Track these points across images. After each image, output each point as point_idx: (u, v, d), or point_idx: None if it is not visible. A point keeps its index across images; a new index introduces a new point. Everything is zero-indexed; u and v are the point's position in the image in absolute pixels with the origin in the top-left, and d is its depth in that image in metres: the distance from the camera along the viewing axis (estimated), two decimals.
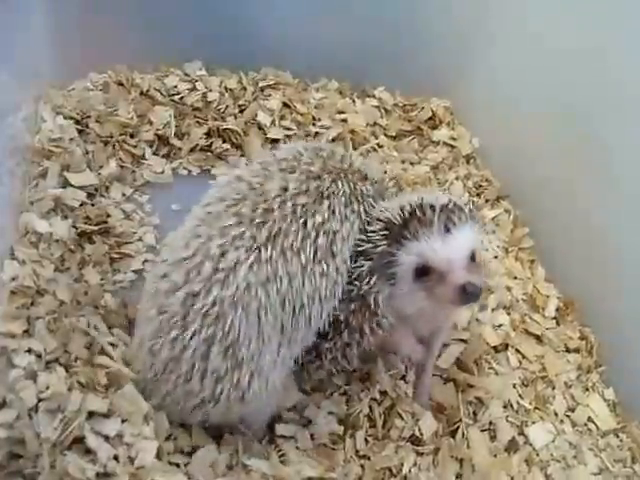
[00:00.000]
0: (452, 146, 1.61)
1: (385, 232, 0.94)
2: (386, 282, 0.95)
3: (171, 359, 0.86)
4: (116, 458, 0.83)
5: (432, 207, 0.93)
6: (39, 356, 0.92)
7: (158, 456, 0.85)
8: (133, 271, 1.20)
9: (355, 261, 0.96)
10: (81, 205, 1.24)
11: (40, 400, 0.86)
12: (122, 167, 1.36)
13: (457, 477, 1.01)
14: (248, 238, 0.86)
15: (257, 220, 0.88)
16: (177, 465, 0.88)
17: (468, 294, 0.90)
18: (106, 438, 0.85)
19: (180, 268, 0.87)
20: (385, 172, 1.48)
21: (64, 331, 0.97)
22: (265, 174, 0.94)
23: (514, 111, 1.51)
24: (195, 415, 0.91)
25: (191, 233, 0.90)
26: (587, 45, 1.26)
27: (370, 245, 0.95)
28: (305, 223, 0.90)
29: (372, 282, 0.95)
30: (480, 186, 1.54)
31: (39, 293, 1.01)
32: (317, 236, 0.90)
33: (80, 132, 1.37)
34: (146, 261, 1.22)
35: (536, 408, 1.15)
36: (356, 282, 0.96)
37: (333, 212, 0.93)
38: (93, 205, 1.26)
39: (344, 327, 0.99)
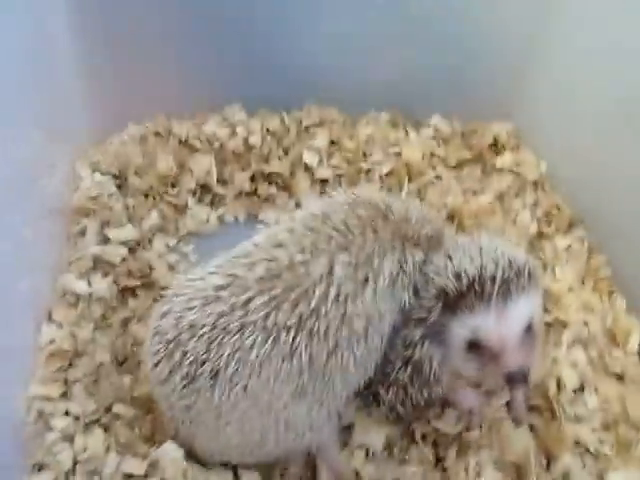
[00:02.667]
0: (517, 172, 1.60)
1: (439, 299, 0.97)
2: (439, 347, 0.99)
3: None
4: None
5: (492, 279, 0.94)
6: (77, 418, 0.97)
7: None
8: None
9: (406, 326, 1.00)
10: (123, 260, 1.31)
11: (77, 462, 0.90)
12: (164, 218, 1.43)
13: None
14: (272, 322, 0.87)
15: (287, 305, 0.88)
16: None
17: (513, 382, 0.95)
18: None
19: (201, 339, 0.88)
20: (446, 205, 1.48)
21: (104, 392, 1.01)
22: (311, 248, 0.93)
23: (583, 130, 1.49)
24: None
25: (213, 292, 0.91)
26: None
27: (423, 312, 0.98)
28: (345, 312, 0.91)
29: (425, 348, 0.99)
30: (550, 213, 1.52)
31: (77, 355, 1.06)
32: (355, 322, 0.91)
33: (119, 187, 1.45)
34: None
35: (618, 454, 1.11)
36: (409, 349, 1.00)
37: (375, 295, 0.93)
38: (135, 260, 1.31)
39: (399, 387, 1.04)
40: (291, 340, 0.87)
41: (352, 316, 0.90)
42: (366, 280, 0.92)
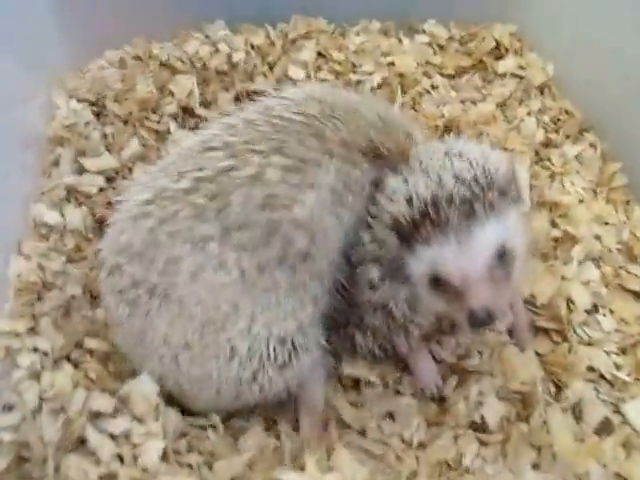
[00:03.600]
0: (521, 77, 1.49)
1: (393, 230, 0.84)
2: (402, 285, 0.87)
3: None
4: (120, 458, 0.82)
5: (449, 200, 0.80)
6: (45, 354, 0.93)
7: (165, 456, 0.83)
8: None
9: (362, 263, 0.90)
10: (100, 191, 1.24)
11: (43, 400, 0.87)
12: (145, 146, 1.36)
13: (534, 467, 0.91)
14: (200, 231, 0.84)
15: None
16: (190, 466, 0.85)
17: (477, 321, 0.80)
18: (112, 437, 0.84)
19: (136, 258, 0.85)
20: (443, 116, 1.39)
21: (75, 326, 0.98)
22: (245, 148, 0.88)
23: (592, 27, 1.38)
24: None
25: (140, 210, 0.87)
26: None
27: (377, 247, 0.87)
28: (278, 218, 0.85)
29: (386, 288, 0.89)
30: (558, 120, 1.41)
31: (46, 288, 1.02)
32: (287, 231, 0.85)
33: (97, 114, 1.38)
34: None
35: (637, 379, 1.02)
36: (371, 291, 0.90)
37: (314, 203, 0.86)
38: (114, 189, 1.26)
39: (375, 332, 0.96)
40: (218, 252, 0.83)
41: (285, 223, 0.84)
42: (303, 186, 0.85)
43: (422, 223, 0.80)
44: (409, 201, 0.82)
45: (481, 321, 0.80)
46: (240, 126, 0.91)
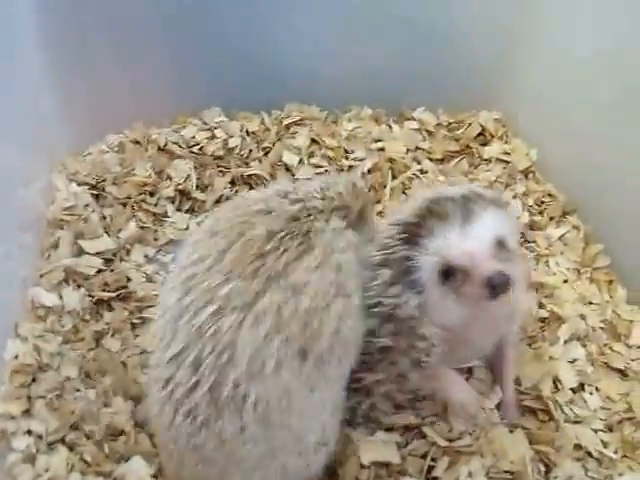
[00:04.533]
0: (507, 162, 1.54)
1: (402, 235, 0.91)
2: (412, 290, 0.90)
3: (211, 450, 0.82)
4: None
5: (449, 199, 0.90)
6: (40, 437, 0.93)
7: None
8: None
9: (372, 280, 0.92)
10: (98, 272, 1.26)
11: None
12: (142, 228, 1.39)
13: None
14: (240, 295, 0.81)
15: (248, 270, 0.83)
16: None
17: (495, 286, 0.85)
18: None
19: (183, 363, 0.81)
20: None
21: (69, 407, 0.98)
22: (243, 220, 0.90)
23: (573, 115, 1.43)
24: None
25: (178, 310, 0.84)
26: None
27: (388, 252, 0.91)
28: (306, 265, 0.85)
29: (397, 292, 0.90)
30: (542, 202, 1.45)
31: (41, 369, 1.02)
32: (321, 273, 0.85)
33: (97, 197, 1.41)
34: None
35: (624, 456, 1.03)
36: (382, 298, 0.91)
37: (325, 250, 0.88)
38: (112, 271, 1.28)
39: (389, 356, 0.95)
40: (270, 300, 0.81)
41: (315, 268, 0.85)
42: (308, 235, 0.87)
43: (427, 218, 0.89)
44: (412, 210, 0.92)
45: (499, 284, 0.85)
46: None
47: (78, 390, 1.03)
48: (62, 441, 0.94)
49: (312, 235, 0.88)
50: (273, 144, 1.53)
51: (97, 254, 1.29)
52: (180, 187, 1.45)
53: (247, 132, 1.56)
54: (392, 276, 0.90)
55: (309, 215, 0.90)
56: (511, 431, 1.03)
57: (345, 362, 0.90)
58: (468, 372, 1.12)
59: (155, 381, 0.84)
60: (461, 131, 1.61)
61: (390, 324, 0.92)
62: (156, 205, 1.43)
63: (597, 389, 1.11)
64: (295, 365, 0.81)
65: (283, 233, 0.86)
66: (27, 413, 0.96)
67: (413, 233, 0.89)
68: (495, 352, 1.08)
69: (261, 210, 0.90)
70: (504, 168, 1.53)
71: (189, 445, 0.81)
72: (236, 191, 1.46)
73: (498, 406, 1.08)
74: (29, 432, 0.93)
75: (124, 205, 1.41)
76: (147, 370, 0.96)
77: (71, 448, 0.93)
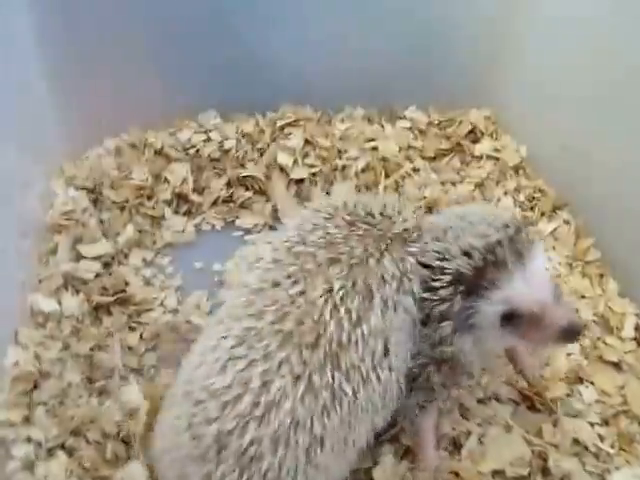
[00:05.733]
0: (497, 159, 1.51)
1: (456, 286, 0.85)
2: (469, 334, 0.88)
3: None
4: None
5: (499, 243, 0.85)
6: (39, 444, 0.91)
7: None
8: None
9: (425, 324, 0.88)
10: (97, 277, 1.24)
11: None
12: (140, 231, 1.36)
13: None
14: (297, 363, 0.76)
15: (308, 338, 0.77)
16: None
17: (574, 335, 0.86)
18: None
19: (215, 399, 0.76)
20: (424, 197, 1.41)
21: (70, 414, 0.96)
22: (304, 275, 0.83)
23: (562, 111, 1.40)
24: None
25: (227, 354, 0.79)
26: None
27: (445, 304, 0.86)
28: (363, 332, 0.79)
29: (457, 341, 0.87)
30: (533, 198, 1.43)
31: (42, 376, 1.01)
32: (375, 340, 0.80)
33: (94, 201, 1.38)
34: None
35: (621, 450, 1.01)
36: (439, 346, 0.88)
37: (385, 303, 0.82)
38: (110, 275, 1.26)
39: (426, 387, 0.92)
40: (330, 380, 0.76)
41: (370, 335, 0.80)
42: (370, 290, 0.81)
43: (486, 269, 0.83)
44: (467, 255, 0.84)
45: (577, 332, 0.86)
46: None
47: (80, 396, 1.01)
48: (62, 447, 0.92)
49: (372, 289, 0.82)
50: (268, 145, 1.50)
51: (95, 258, 1.26)
52: (177, 190, 1.42)
53: (242, 134, 1.52)
54: (452, 327, 0.86)
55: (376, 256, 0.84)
56: (507, 431, 1.02)
57: (377, 422, 0.86)
58: None
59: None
60: (452, 129, 1.59)
61: (446, 365, 0.90)
62: (154, 208, 1.40)
63: (592, 383, 1.09)
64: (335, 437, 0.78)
65: (342, 291, 0.80)
66: (27, 420, 0.94)
67: (472, 284, 0.84)
68: None
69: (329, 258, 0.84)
70: (495, 165, 1.51)
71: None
72: (232, 193, 1.45)
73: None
74: (29, 439, 0.91)
75: (122, 209, 1.38)
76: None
77: (70, 454, 0.91)
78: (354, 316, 0.79)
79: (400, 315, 0.83)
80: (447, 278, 0.85)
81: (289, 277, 0.82)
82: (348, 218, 0.88)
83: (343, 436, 0.79)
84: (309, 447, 0.75)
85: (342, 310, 0.79)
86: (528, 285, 0.83)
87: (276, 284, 0.82)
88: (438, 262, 0.87)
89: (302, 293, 0.80)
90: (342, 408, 0.77)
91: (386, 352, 0.81)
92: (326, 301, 0.79)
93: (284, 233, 0.91)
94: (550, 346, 0.95)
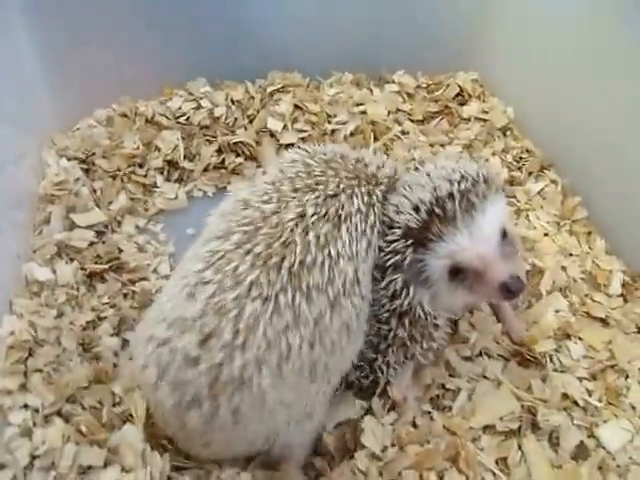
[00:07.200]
0: (485, 120, 1.48)
1: (407, 239, 0.86)
2: (424, 287, 0.88)
3: (200, 427, 0.78)
4: None
5: (450, 197, 0.85)
6: (36, 411, 0.89)
7: None
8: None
9: (383, 277, 0.89)
10: (90, 245, 1.21)
11: (34, 457, 0.83)
12: (133, 199, 1.33)
13: None
14: (266, 284, 0.77)
15: (274, 260, 0.79)
16: None
17: (512, 291, 0.83)
18: None
19: (192, 330, 0.76)
20: (413, 159, 1.38)
21: (66, 380, 0.94)
22: (278, 197, 0.86)
23: (547, 73, 1.37)
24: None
25: (196, 279, 0.80)
26: None
27: (397, 256, 0.87)
28: (330, 253, 0.81)
29: (411, 293, 0.88)
30: (521, 158, 1.40)
31: (38, 344, 0.98)
32: (343, 265, 0.82)
33: (87, 171, 1.35)
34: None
35: (609, 404, 0.99)
36: (396, 299, 0.89)
37: (351, 234, 0.85)
38: (104, 243, 1.23)
39: (398, 343, 0.94)
40: (291, 300, 0.77)
41: (339, 259, 0.82)
42: (339, 218, 0.84)
43: (432, 223, 0.84)
44: (416, 209, 0.86)
45: (515, 288, 0.83)
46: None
47: (75, 363, 0.98)
48: (58, 413, 0.90)
49: (341, 219, 0.85)
50: (257, 112, 1.47)
51: (89, 227, 1.23)
52: (168, 157, 1.39)
53: (232, 101, 1.49)
54: (405, 280, 0.88)
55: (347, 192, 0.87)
56: (497, 387, 1.00)
57: (348, 354, 0.87)
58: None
59: (149, 336, 0.80)
60: (440, 92, 1.56)
61: (406, 317, 0.91)
62: (145, 176, 1.37)
63: (580, 339, 1.07)
64: (304, 356, 0.78)
65: (315, 217, 0.83)
66: (23, 387, 0.92)
67: (420, 237, 0.85)
68: None
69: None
70: (482, 126, 1.48)
71: (172, 413, 0.78)
72: (223, 159, 1.41)
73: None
74: (25, 406, 0.89)
75: (114, 178, 1.35)
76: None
77: (67, 420, 0.89)
78: (322, 240, 0.81)
79: (364, 248, 0.86)
80: (399, 231, 0.87)
81: (263, 198, 0.86)
82: (325, 157, 0.93)
83: (313, 358, 0.79)
84: (282, 362, 0.77)
85: (311, 234, 0.81)
86: (472, 239, 0.83)
87: (248, 205, 0.86)
88: (394, 215, 0.89)
89: (275, 213, 0.83)
90: (307, 328, 0.78)
91: (357, 280, 0.84)
92: (297, 225, 0.82)
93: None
94: (495, 301, 0.94)
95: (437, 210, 0.84)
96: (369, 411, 0.97)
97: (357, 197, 0.87)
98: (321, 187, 0.86)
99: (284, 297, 0.77)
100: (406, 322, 0.91)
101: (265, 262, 0.78)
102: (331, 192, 0.86)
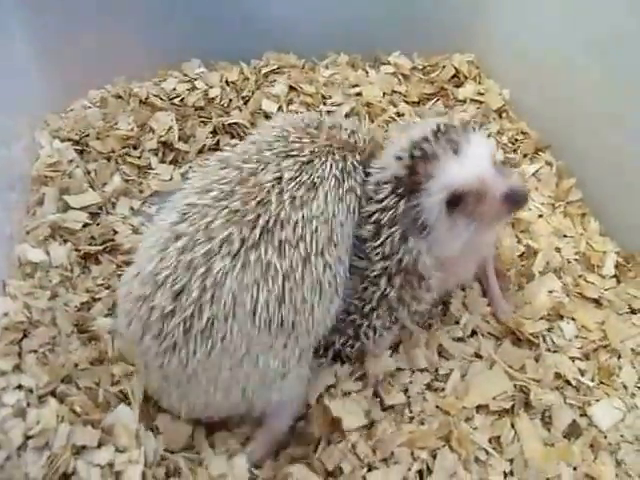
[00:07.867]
0: (480, 102, 1.47)
1: (397, 190, 0.86)
2: (421, 236, 0.86)
3: (179, 373, 0.81)
4: None
5: (427, 140, 0.85)
6: (30, 391, 0.88)
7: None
8: None
9: (378, 237, 0.88)
10: (84, 226, 1.19)
11: (28, 438, 0.82)
12: (127, 181, 1.31)
13: (505, 477, 0.88)
14: (237, 240, 0.79)
15: (249, 217, 0.81)
16: None
17: (517, 199, 0.83)
18: (98, 467, 0.80)
19: (164, 286, 0.79)
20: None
21: (61, 360, 0.93)
22: (257, 159, 0.88)
23: (544, 54, 1.35)
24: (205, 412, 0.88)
25: (169, 232, 0.82)
26: None
27: (390, 212, 0.86)
28: (304, 215, 0.84)
29: (410, 245, 0.87)
30: (516, 140, 1.39)
31: (32, 325, 0.97)
32: (317, 225, 0.84)
33: (81, 152, 1.33)
34: None
35: (601, 383, 0.99)
36: (391, 256, 0.88)
37: (326, 197, 0.87)
38: (98, 224, 1.21)
39: (385, 305, 0.93)
40: (263, 254, 0.79)
41: (312, 220, 0.84)
42: (314, 183, 0.86)
43: (417, 164, 0.84)
44: (399, 158, 0.87)
45: (519, 197, 0.82)
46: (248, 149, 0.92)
47: (70, 344, 0.97)
48: (52, 394, 0.89)
49: (316, 184, 0.87)
50: (252, 93, 1.45)
51: (83, 209, 1.22)
52: (163, 139, 1.37)
53: (227, 82, 1.47)
54: (401, 232, 0.87)
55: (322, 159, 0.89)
56: (491, 367, 1.00)
57: (318, 314, 0.86)
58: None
59: (128, 295, 0.83)
60: (436, 74, 1.54)
61: (397, 278, 0.90)
62: (140, 158, 1.36)
63: (573, 319, 1.07)
64: (272, 311, 0.80)
65: (292, 183, 0.85)
66: (17, 368, 0.91)
67: (409, 183, 0.85)
68: (479, 271, 1.09)
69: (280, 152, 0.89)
70: (478, 108, 1.47)
71: (155, 362, 0.81)
72: (218, 140, 1.39)
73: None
74: (20, 387, 0.88)
75: (108, 159, 1.33)
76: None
77: (61, 400, 0.88)
78: (297, 202, 0.84)
79: (341, 212, 0.88)
80: (388, 187, 0.86)
81: (243, 157, 0.88)
82: (302, 125, 0.94)
83: (281, 313, 0.81)
84: (244, 319, 0.79)
85: (286, 195, 0.84)
86: (464, 165, 0.82)
87: (228, 164, 0.87)
88: (379, 175, 0.89)
89: (254, 174, 0.85)
90: (275, 284, 0.80)
91: (332, 243, 0.85)
92: (273, 187, 0.84)
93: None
94: (501, 219, 0.91)
95: (417, 152, 0.84)
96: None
97: (331, 163, 0.89)
98: (295, 153, 0.88)
99: (255, 252, 0.80)
100: (396, 283, 0.90)
101: (240, 219, 0.81)
102: (305, 159, 0.88)
